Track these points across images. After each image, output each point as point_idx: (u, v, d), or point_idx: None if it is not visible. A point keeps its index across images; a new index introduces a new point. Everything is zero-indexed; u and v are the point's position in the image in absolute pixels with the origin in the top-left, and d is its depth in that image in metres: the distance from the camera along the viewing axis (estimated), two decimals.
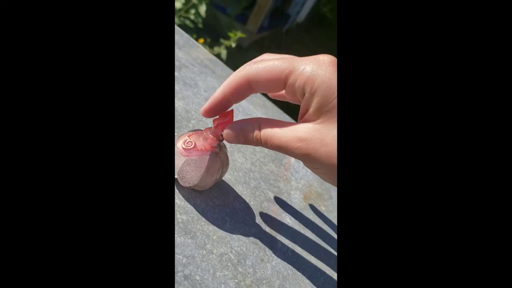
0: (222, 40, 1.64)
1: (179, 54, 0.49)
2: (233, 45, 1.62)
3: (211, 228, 0.29)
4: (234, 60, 2.35)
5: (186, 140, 0.29)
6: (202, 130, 0.30)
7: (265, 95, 0.44)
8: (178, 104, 0.39)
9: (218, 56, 1.61)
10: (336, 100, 0.22)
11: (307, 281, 0.31)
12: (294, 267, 0.31)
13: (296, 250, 0.33)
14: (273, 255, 0.31)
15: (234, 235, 0.30)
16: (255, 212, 0.34)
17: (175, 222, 0.27)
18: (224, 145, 0.30)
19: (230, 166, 0.37)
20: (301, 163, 0.47)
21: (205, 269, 0.26)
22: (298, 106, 0.26)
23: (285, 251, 0.32)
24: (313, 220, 0.39)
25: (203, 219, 0.29)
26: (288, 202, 0.38)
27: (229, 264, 0.28)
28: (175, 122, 0.36)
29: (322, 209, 0.42)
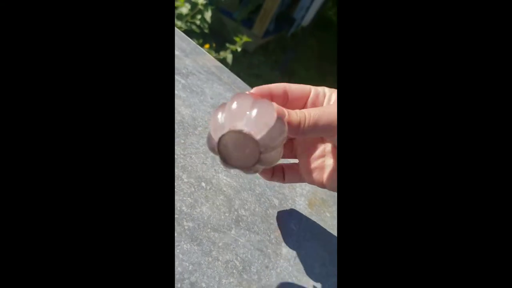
0: (228, 45, 1.65)
1: (186, 61, 0.49)
2: (239, 49, 1.63)
3: (217, 235, 0.29)
4: (240, 64, 2.37)
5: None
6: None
7: None
8: (185, 111, 0.40)
9: (224, 60, 1.62)
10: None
11: None
12: (299, 273, 0.32)
13: (301, 257, 0.33)
14: (278, 262, 0.31)
15: (239, 242, 0.30)
16: (260, 219, 0.34)
17: (182, 229, 0.28)
18: None
19: (234, 173, 0.37)
20: None
21: (211, 276, 0.26)
22: None
23: (290, 258, 0.32)
24: (318, 226, 0.39)
25: (209, 226, 0.30)
26: (293, 208, 0.39)
27: (234, 271, 0.28)
28: (182, 130, 0.37)
29: (326, 215, 0.42)
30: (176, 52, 0.50)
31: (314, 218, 0.40)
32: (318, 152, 0.31)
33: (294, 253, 0.33)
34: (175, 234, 0.27)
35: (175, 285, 0.24)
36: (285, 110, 0.25)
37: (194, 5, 1.42)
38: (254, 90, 0.28)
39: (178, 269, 0.25)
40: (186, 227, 0.28)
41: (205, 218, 0.30)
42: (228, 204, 0.33)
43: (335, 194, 0.48)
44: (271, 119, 0.22)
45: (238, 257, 0.29)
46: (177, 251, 0.26)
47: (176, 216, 0.29)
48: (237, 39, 1.63)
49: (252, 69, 2.39)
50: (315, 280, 0.32)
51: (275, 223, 0.35)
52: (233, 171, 0.37)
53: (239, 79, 0.56)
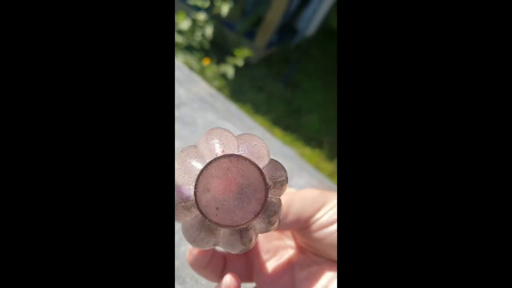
0: (228, 59, 1.64)
1: (179, 91, 0.51)
2: (240, 63, 1.62)
3: None
4: (242, 77, 2.38)
5: None
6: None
7: None
8: (176, 144, 0.41)
9: (224, 76, 1.63)
10: None
11: None
12: None
13: None
14: None
15: None
16: None
17: None
18: None
19: None
20: None
21: None
22: None
23: None
24: None
25: None
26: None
27: None
28: None
29: None
30: None
31: None
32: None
33: None
34: None
35: None
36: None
37: (194, 22, 1.43)
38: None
39: None
40: None
41: None
42: None
43: None
44: (265, 153, 0.17)
45: None
46: None
47: None
48: (237, 52, 1.63)
49: (254, 81, 2.40)
50: None
51: None
52: None
53: (233, 106, 0.57)
